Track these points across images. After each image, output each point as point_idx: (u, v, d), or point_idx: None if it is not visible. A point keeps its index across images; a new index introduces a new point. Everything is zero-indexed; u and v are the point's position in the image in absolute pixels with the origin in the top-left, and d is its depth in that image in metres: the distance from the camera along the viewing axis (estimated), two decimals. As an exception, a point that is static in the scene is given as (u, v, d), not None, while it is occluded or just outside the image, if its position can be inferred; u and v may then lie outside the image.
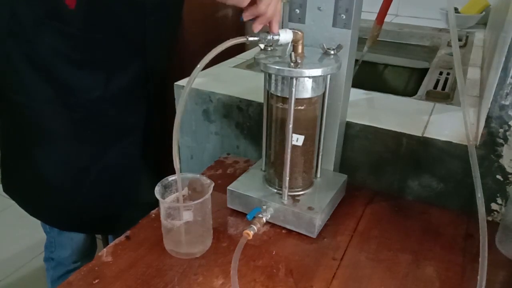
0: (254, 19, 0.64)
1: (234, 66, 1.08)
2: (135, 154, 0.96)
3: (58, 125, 0.86)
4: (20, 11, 0.80)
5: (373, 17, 1.07)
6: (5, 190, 1.00)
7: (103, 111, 0.87)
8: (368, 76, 1.38)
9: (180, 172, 0.62)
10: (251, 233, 0.63)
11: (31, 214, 0.98)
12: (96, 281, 0.59)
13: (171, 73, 0.99)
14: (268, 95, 0.69)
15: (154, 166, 1.02)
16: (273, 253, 0.65)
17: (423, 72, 1.20)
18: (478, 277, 0.52)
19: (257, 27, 0.63)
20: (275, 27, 0.63)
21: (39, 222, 1.02)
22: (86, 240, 1.07)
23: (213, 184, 0.63)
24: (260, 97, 0.84)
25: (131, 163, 0.96)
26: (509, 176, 0.70)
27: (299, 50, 0.64)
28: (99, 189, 0.93)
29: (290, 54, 0.60)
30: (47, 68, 0.82)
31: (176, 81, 0.94)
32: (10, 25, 0.82)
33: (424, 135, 0.74)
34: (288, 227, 0.69)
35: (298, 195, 0.71)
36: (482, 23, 1.61)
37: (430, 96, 0.94)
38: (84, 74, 0.83)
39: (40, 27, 0.79)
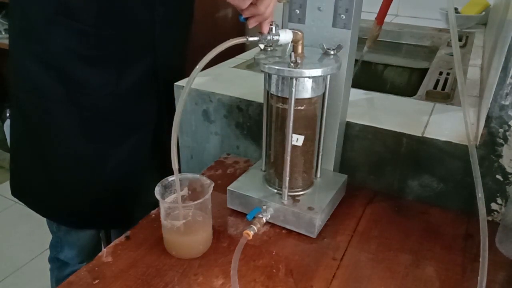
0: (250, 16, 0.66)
1: (234, 66, 1.08)
2: (146, 150, 0.96)
3: (69, 123, 0.86)
4: (30, 10, 0.80)
5: (373, 17, 1.07)
6: (13, 193, 1.00)
7: (113, 108, 0.87)
8: (368, 76, 1.38)
9: (180, 172, 0.62)
10: (251, 233, 0.63)
11: (42, 215, 0.98)
12: (96, 281, 0.59)
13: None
14: (268, 95, 0.69)
15: (163, 162, 1.02)
16: (273, 253, 0.65)
17: (423, 72, 1.20)
18: (479, 277, 0.52)
19: (252, 24, 0.65)
20: (266, 27, 0.64)
21: (39, 222, 1.02)
22: (93, 240, 1.07)
23: (213, 184, 0.63)
24: (260, 97, 0.84)
25: (141, 159, 0.96)
26: (509, 176, 0.70)
27: (299, 50, 0.64)
28: (110, 186, 0.93)
29: (290, 54, 0.60)
30: (58, 66, 0.82)
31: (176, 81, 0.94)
32: (21, 25, 0.82)
33: (424, 135, 0.74)
34: (288, 227, 0.69)
35: (298, 195, 0.71)
36: (482, 23, 1.61)
37: (430, 96, 0.94)
38: (95, 71, 0.83)
39: (50, 25, 0.79)
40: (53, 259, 1.09)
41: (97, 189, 0.92)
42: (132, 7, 0.81)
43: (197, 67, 0.55)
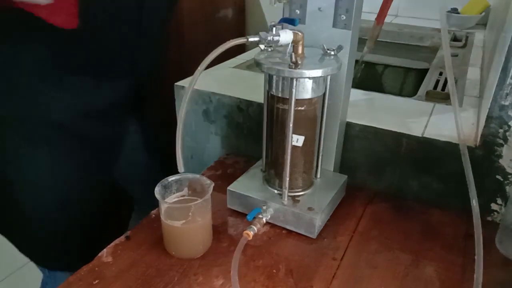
0: None
1: (234, 67, 1.08)
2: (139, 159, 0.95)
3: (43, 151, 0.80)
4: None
5: (373, 17, 1.07)
6: None
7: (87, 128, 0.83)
8: (368, 77, 1.38)
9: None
10: (251, 233, 0.63)
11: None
12: (96, 281, 0.59)
13: (171, 74, 0.99)
14: (268, 96, 0.69)
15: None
16: (273, 253, 0.65)
17: (423, 72, 1.20)
18: (475, 275, 0.52)
19: None
20: None
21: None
22: None
23: (213, 185, 0.64)
24: (260, 98, 0.84)
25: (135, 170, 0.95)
26: (509, 176, 0.70)
27: (299, 51, 0.64)
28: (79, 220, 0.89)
29: (291, 55, 0.61)
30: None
31: (175, 82, 0.94)
32: None
33: (424, 135, 0.74)
34: (288, 227, 0.69)
35: (298, 196, 0.71)
36: (482, 23, 1.61)
37: (430, 96, 0.94)
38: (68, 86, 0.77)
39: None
40: None
41: (66, 223, 0.86)
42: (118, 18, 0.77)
43: (199, 68, 0.56)
